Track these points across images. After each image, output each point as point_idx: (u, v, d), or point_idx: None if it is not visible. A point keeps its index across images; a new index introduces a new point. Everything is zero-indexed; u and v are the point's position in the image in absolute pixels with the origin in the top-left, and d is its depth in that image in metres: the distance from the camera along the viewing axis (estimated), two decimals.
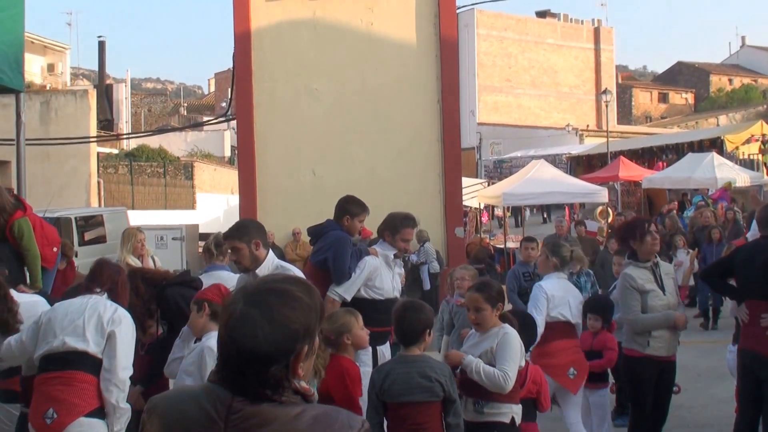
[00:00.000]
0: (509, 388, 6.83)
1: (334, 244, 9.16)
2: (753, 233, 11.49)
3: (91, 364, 6.48)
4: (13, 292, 7.35)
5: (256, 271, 7.46)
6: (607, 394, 10.11)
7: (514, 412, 6.97)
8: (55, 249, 9.43)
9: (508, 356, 6.92)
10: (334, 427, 2.87)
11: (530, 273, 13.01)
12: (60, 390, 6.38)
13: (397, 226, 9.29)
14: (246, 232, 7.63)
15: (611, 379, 10.42)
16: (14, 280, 8.36)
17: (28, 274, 9.11)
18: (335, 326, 6.90)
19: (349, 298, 8.90)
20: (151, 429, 2.99)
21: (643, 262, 8.82)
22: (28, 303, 7.38)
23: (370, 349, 8.61)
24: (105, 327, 6.55)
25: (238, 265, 7.54)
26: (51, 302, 7.93)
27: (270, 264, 7.64)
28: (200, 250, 31.15)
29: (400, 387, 6.33)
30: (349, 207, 9.62)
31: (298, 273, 7.67)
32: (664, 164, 44.23)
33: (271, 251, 7.79)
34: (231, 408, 2.83)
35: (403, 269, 9.77)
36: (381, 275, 9.07)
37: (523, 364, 7.16)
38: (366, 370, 8.41)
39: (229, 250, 7.70)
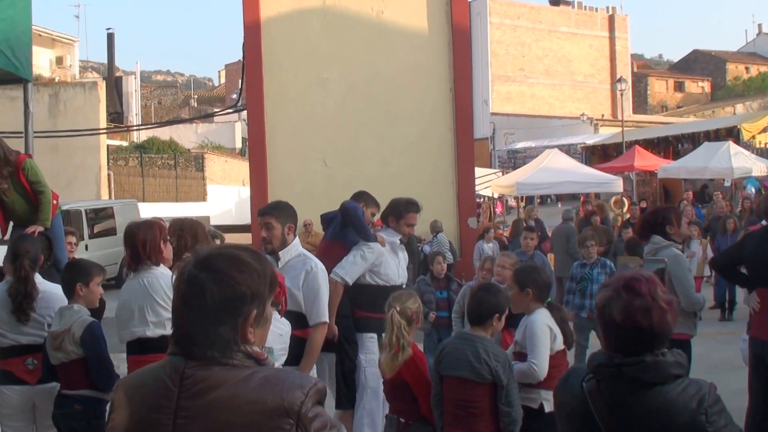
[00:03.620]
0: (542, 376, 6.85)
1: (348, 208, 9.24)
2: None
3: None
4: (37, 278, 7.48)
5: (280, 253, 7.51)
6: None
7: (542, 398, 6.96)
8: (55, 202, 9.45)
9: (535, 345, 6.93)
10: (284, 386, 2.91)
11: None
12: None
13: (401, 211, 9.35)
14: (283, 214, 7.68)
15: None
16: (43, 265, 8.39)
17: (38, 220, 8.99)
18: (416, 306, 7.05)
19: (350, 282, 8.91)
20: (117, 402, 3.10)
21: (679, 244, 8.96)
22: (50, 293, 7.47)
23: (375, 336, 8.67)
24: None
25: (266, 244, 7.54)
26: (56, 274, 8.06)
27: (294, 249, 7.68)
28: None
29: (450, 361, 6.46)
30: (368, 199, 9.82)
31: (318, 263, 7.76)
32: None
33: (297, 239, 7.83)
34: (183, 374, 2.93)
35: (405, 252, 9.79)
36: (386, 261, 9.10)
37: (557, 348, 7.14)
38: (372, 358, 8.45)
39: (262, 226, 7.70)
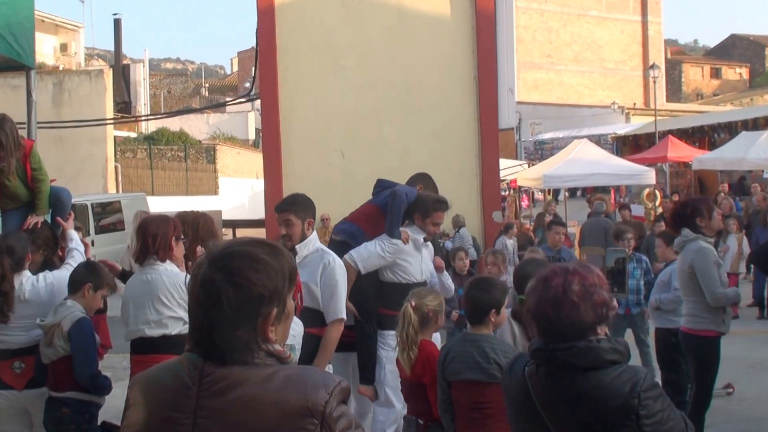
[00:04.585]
0: None
1: (398, 195, 9.22)
2: None
3: (175, 344, 6.60)
4: (26, 276, 7.45)
5: (297, 247, 7.53)
6: None
7: None
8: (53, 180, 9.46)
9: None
10: (308, 386, 2.93)
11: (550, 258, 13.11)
12: None
13: (428, 209, 9.24)
14: (303, 209, 7.72)
15: None
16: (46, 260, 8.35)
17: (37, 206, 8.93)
18: (434, 304, 7.04)
19: (363, 270, 8.90)
20: (132, 399, 3.13)
21: (709, 237, 8.97)
22: (41, 294, 7.46)
23: (394, 332, 8.68)
24: (177, 312, 6.90)
25: (285, 240, 7.53)
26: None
27: (312, 244, 7.71)
28: (224, 237, 31.28)
29: (457, 365, 6.41)
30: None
31: (337, 258, 7.79)
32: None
33: (315, 232, 7.86)
34: (203, 372, 2.96)
35: (432, 248, 9.76)
36: (408, 258, 9.08)
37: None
38: (392, 355, 8.46)
39: (281, 223, 7.71)
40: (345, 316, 7.73)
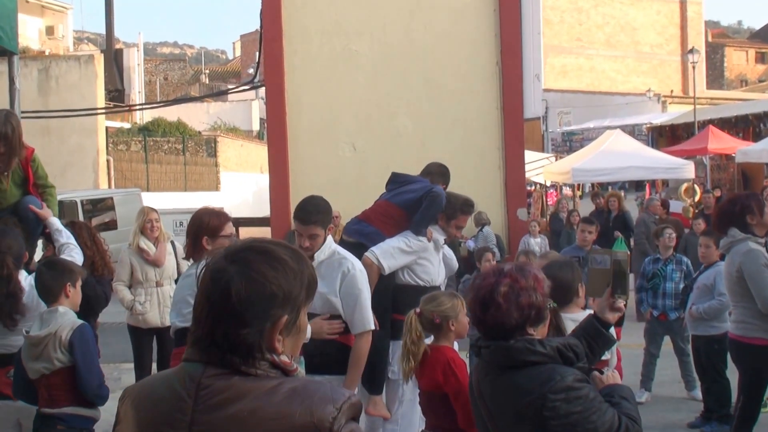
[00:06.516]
0: None
1: (437, 196, 9.19)
2: None
3: None
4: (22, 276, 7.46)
5: (315, 254, 7.43)
6: None
7: None
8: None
9: None
10: (314, 400, 2.91)
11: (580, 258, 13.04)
12: None
13: (454, 211, 9.28)
14: (324, 217, 7.63)
15: None
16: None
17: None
18: (442, 309, 6.95)
19: (386, 269, 8.84)
20: (123, 413, 3.12)
21: (760, 237, 8.92)
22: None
23: None
24: None
25: (307, 251, 7.31)
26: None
27: (328, 248, 7.62)
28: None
29: None
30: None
31: (356, 263, 7.74)
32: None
33: (330, 235, 7.78)
34: (200, 384, 2.93)
35: (449, 250, 9.76)
36: (429, 258, 9.07)
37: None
38: None
39: (305, 236, 7.60)
40: (373, 326, 7.63)
